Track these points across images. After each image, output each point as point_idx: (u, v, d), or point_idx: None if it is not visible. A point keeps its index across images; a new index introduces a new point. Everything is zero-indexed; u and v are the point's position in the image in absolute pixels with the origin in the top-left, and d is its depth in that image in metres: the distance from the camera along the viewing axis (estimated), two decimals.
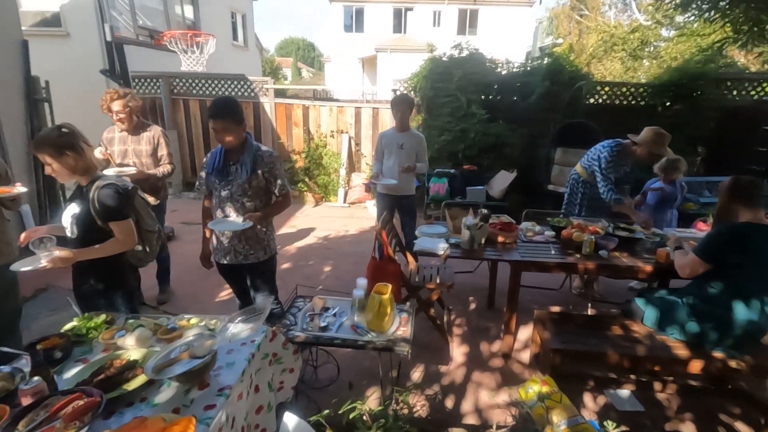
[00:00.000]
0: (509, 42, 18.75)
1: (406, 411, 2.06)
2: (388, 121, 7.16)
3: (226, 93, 7.35)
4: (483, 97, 6.76)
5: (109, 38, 4.91)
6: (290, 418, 1.64)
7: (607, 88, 6.84)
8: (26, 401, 1.35)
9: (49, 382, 1.43)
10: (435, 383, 2.70)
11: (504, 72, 6.97)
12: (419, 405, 2.48)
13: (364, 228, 5.99)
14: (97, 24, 6.95)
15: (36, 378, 1.39)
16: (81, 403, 1.33)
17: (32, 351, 1.53)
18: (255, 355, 1.76)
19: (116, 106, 3.14)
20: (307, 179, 7.38)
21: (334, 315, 2.29)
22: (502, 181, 6.14)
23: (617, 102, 6.81)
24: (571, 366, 2.49)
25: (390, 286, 2.18)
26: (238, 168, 2.34)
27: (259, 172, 2.37)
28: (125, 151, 3.29)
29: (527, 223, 3.44)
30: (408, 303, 2.44)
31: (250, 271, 2.55)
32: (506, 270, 2.92)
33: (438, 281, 3.13)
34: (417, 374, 2.78)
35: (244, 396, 1.66)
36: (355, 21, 21.70)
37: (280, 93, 7.86)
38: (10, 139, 4.50)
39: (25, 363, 1.57)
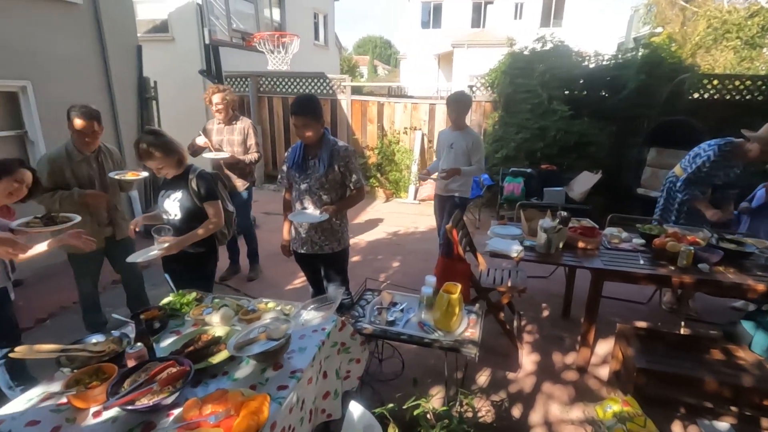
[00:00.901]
0: (599, 33, 17.38)
1: (470, 414, 2.01)
2: None
3: (307, 90, 7.70)
4: (566, 92, 6.35)
5: (207, 41, 5.38)
6: (355, 407, 1.68)
7: (715, 81, 6.06)
8: (131, 363, 1.53)
9: (149, 348, 1.61)
10: (502, 389, 2.60)
11: (592, 65, 6.48)
12: (484, 410, 2.41)
13: (434, 225, 5.93)
14: (197, 28, 7.63)
15: (139, 344, 1.58)
16: (174, 370, 1.47)
17: (137, 320, 1.73)
18: (325, 343, 1.83)
19: (216, 98, 3.61)
20: (378, 175, 7.49)
21: (402, 310, 2.30)
22: (584, 182, 5.72)
23: (728, 97, 6.01)
24: (657, 389, 2.25)
25: (459, 286, 2.14)
26: (316, 162, 2.44)
27: (336, 166, 2.45)
28: (221, 141, 3.73)
29: (612, 229, 3.17)
30: (477, 305, 2.38)
31: (323, 262, 2.65)
32: (585, 278, 2.73)
33: (509, 284, 3.01)
34: (483, 378, 2.70)
35: (314, 380, 1.73)
36: (432, 17, 21.52)
37: (356, 90, 8.06)
38: (124, 132, 5.14)
39: (131, 330, 1.78)
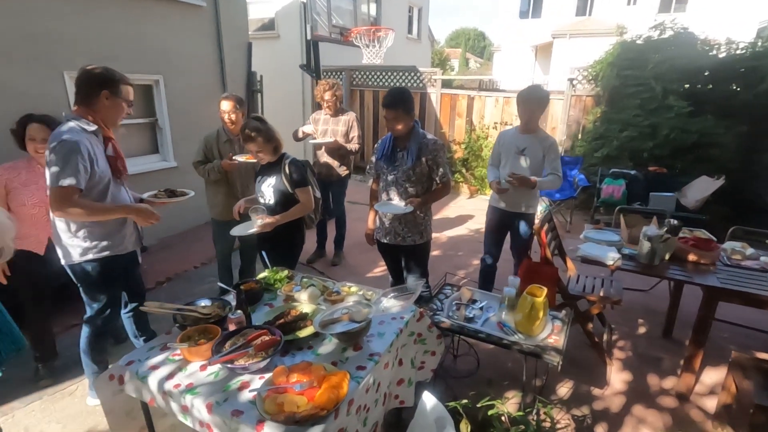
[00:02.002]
0: (733, 18, 15.01)
1: (548, 424, 1.92)
2: (559, 112, 6.59)
3: (397, 84, 7.79)
4: (686, 86, 5.61)
5: (309, 37, 5.71)
6: (429, 398, 1.70)
7: None
8: (231, 327, 1.71)
9: (247, 316, 1.78)
10: (585, 404, 2.43)
11: (722, 55, 5.64)
12: (563, 423, 2.27)
13: None
14: (300, 25, 8.13)
15: (239, 311, 1.76)
16: (266, 338, 1.62)
17: (237, 290, 1.92)
18: (403, 331, 1.87)
19: (327, 95, 3.90)
20: (464, 170, 7.35)
21: (481, 308, 2.26)
22: (701, 188, 5.03)
23: None
24: None
25: (545, 290, 2.04)
26: (405, 155, 2.48)
27: (423, 159, 2.47)
28: (326, 130, 4.01)
29: (734, 243, 2.77)
30: (563, 311, 2.24)
31: (405, 253, 2.70)
32: (694, 295, 2.42)
33: (601, 294, 2.79)
34: (564, 390, 2.55)
35: (390, 366, 1.78)
36: (532, 6, 20.33)
37: (446, 83, 7.97)
38: None
39: (232, 298, 1.99)
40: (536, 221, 2.82)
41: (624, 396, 2.52)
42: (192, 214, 5.00)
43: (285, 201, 2.52)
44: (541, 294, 2.01)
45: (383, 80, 7.90)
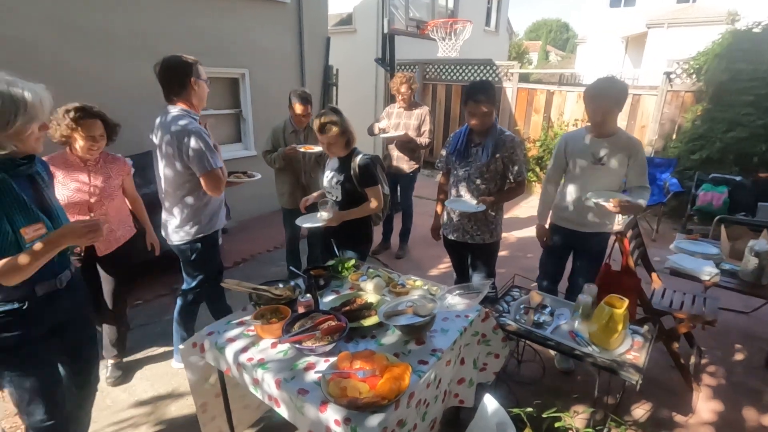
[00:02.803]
0: None
1: None
2: (651, 109, 6.00)
3: (472, 78, 7.60)
4: None
5: (385, 30, 5.76)
6: (490, 401, 1.65)
7: None
8: (300, 310, 1.79)
9: (315, 301, 1.85)
10: (664, 431, 2.22)
11: None
12: None
13: None
14: (377, 19, 8.22)
15: (308, 295, 1.83)
16: (333, 323, 1.67)
17: (308, 275, 2.00)
18: (467, 330, 1.83)
19: (403, 88, 3.97)
20: (538, 169, 7.00)
21: (551, 314, 2.14)
22: None
23: None
24: None
25: (626, 301, 1.88)
26: (479, 150, 2.41)
27: (499, 156, 2.38)
28: (399, 124, 4.06)
29: None
30: (645, 327, 2.05)
31: (472, 251, 2.64)
32: None
33: (692, 312, 2.51)
34: (640, 411, 2.34)
35: (452, 363, 1.76)
36: None
37: (523, 78, 7.61)
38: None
39: (302, 282, 2.07)
40: (617, 226, 2.58)
41: (712, 427, 2.26)
42: (268, 199, 5.30)
43: (352, 198, 2.47)
44: (622, 305, 1.85)
45: (457, 74, 7.75)
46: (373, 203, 2.46)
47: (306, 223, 2.50)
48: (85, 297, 1.73)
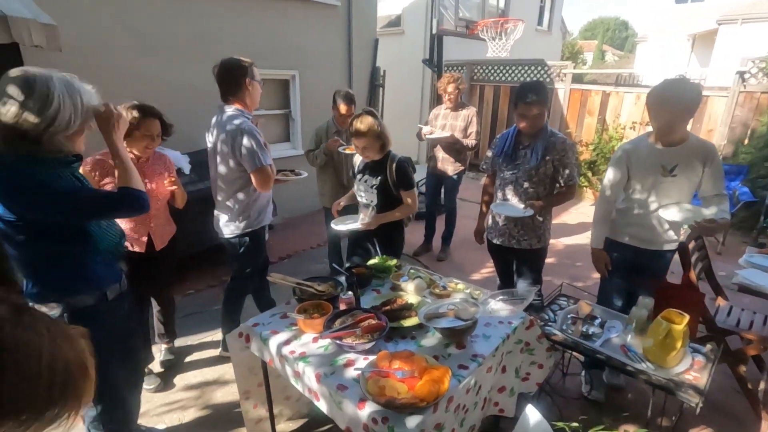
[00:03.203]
0: None
1: None
2: (720, 112, 5.56)
3: (522, 78, 7.39)
4: None
5: (434, 31, 5.72)
6: (533, 412, 1.58)
7: None
8: (342, 306, 1.81)
9: (356, 298, 1.87)
10: None
11: None
12: None
13: None
14: (425, 20, 8.19)
15: (349, 292, 1.85)
16: (373, 322, 1.68)
17: (349, 272, 2.03)
18: (510, 337, 1.77)
19: (450, 88, 3.89)
20: (590, 174, 6.68)
21: (602, 326, 2.03)
22: None
23: None
24: None
25: (686, 317, 1.74)
26: (528, 153, 2.34)
27: (549, 158, 2.30)
28: (445, 125, 4.00)
29: None
30: (708, 346, 1.90)
31: (518, 256, 2.56)
32: None
33: (763, 333, 2.29)
34: None
35: (493, 370, 1.71)
36: None
37: (576, 78, 7.30)
38: None
39: (344, 279, 2.10)
40: (681, 235, 2.39)
41: None
42: (312, 198, 5.42)
43: (389, 201, 2.42)
44: (681, 321, 1.72)
45: (506, 75, 7.57)
46: (409, 206, 2.43)
47: (340, 225, 2.47)
48: (136, 294, 1.85)
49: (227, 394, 2.46)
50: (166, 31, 4.04)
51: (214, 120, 2.32)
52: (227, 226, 2.40)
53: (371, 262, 2.37)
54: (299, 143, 5.48)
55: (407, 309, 1.85)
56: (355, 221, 2.44)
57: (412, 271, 2.26)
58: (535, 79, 7.18)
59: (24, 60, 2.89)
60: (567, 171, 2.32)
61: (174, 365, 2.71)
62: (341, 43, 5.69)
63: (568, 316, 2.13)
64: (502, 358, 1.79)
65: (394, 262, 2.33)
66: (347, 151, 3.12)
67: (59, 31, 2.71)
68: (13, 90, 1.20)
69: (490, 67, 7.73)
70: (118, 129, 1.48)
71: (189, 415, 2.32)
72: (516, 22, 5.72)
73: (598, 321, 2.08)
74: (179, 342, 2.90)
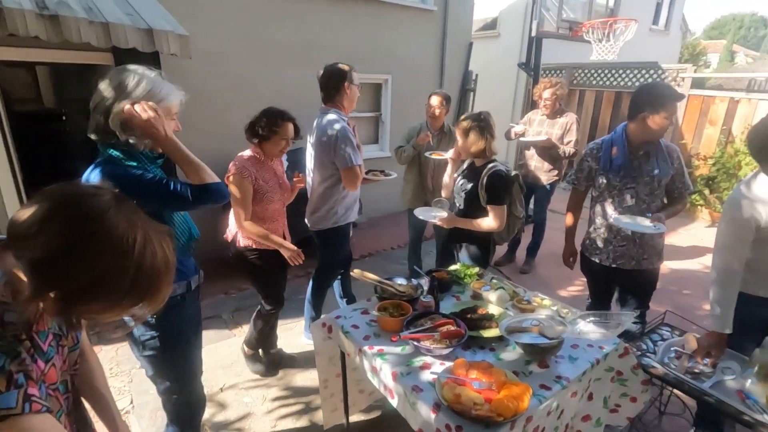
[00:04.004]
0: None
1: None
2: None
3: (629, 83, 6.76)
4: None
5: (533, 33, 5.49)
6: None
7: None
8: (421, 309, 1.83)
9: (436, 303, 1.87)
10: None
11: None
12: None
13: None
14: (523, 23, 7.89)
15: (429, 296, 1.86)
16: (452, 328, 1.67)
17: (431, 277, 2.03)
18: (600, 362, 1.64)
19: (546, 93, 3.68)
20: (706, 192, 5.89)
21: (714, 366, 1.78)
22: None
23: None
24: None
25: None
26: (643, 163, 2.14)
27: (671, 168, 2.15)
28: (539, 132, 3.80)
29: None
30: None
31: (627, 278, 2.31)
32: None
33: None
34: None
35: (578, 396, 1.60)
36: None
37: (696, 83, 6.48)
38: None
39: (424, 283, 2.11)
40: None
41: None
42: (395, 199, 5.53)
43: (472, 209, 2.35)
44: None
45: (611, 79, 6.97)
46: (491, 222, 2.27)
47: (422, 215, 2.53)
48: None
49: (306, 380, 2.61)
50: (279, 38, 4.40)
51: (315, 122, 2.50)
52: (316, 221, 2.57)
53: (452, 267, 2.35)
54: (386, 145, 5.62)
55: (488, 319, 1.80)
56: (436, 214, 2.45)
57: (494, 281, 2.20)
58: (644, 83, 6.52)
59: (162, 65, 3.35)
60: (684, 179, 2.17)
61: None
62: (435, 48, 5.71)
63: (672, 348, 1.91)
64: (589, 384, 1.66)
65: (476, 270, 2.28)
66: (434, 156, 3.12)
67: (190, 40, 3.11)
68: (105, 80, 1.32)
69: (592, 71, 7.19)
70: (158, 126, 1.31)
71: (271, 394, 2.51)
72: (628, 22, 5.25)
73: (707, 359, 1.83)
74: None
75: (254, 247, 2.29)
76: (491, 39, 8.85)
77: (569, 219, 2.52)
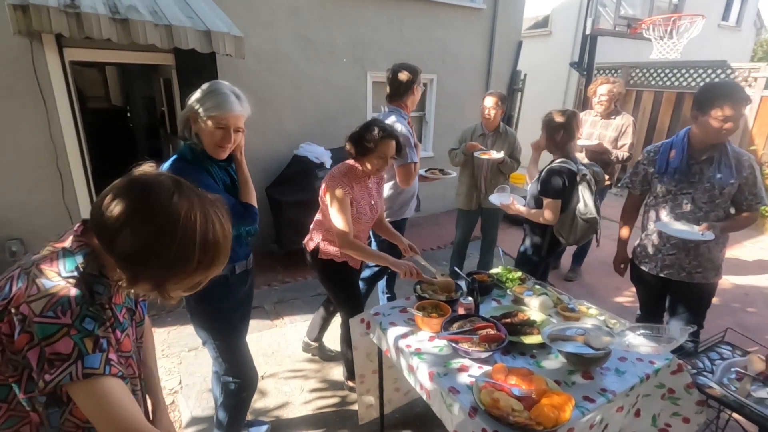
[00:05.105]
0: None
1: None
2: None
3: (692, 83, 6.32)
4: None
5: (588, 31, 5.25)
6: None
7: None
8: (460, 311, 1.81)
9: (476, 305, 1.84)
10: None
11: None
12: None
13: None
14: (576, 20, 7.56)
15: (469, 298, 1.83)
16: (492, 332, 1.64)
17: (471, 279, 2.00)
18: (650, 378, 1.55)
19: (603, 89, 3.48)
20: None
21: None
22: None
23: None
24: None
25: None
26: (706, 168, 1.99)
27: (739, 176, 1.96)
28: (591, 134, 3.61)
29: None
30: None
31: (680, 291, 2.19)
32: None
33: None
34: None
35: (624, 411, 1.52)
36: None
37: None
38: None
39: (465, 284, 2.08)
40: None
41: None
42: (439, 200, 5.50)
43: (535, 202, 2.44)
44: None
45: (672, 79, 6.55)
46: (545, 214, 2.33)
47: (494, 197, 2.64)
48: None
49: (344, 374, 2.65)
50: (329, 38, 4.48)
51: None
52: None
53: (494, 271, 2.30)
54: (429, 145, 5.59)
55: (529, 325, 1.76)
56: (506, 199, 2.56)
57: (537, 287, 2.13)
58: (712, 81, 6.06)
59: (218, 65, 3.52)
60: (756, 190, 1.97)
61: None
62: (483, 47, 5.61)
63: (732, 369, 1.77)
64: (637, 399, 1.58)
65: (518, 274, 2.23)
66: (483, 156, 3.08)
67: (244, 41, 3.24)
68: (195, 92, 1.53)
69: (651, 71, 6.79)
70: (237, 152, 1.60)
71: (309, 385, 2.57)
72: (693, 18, 4.90)
73: None
74: (307, 316, 3.23)
75: (337, 261, 2.18)
76: (542, 38, 8.56)
77: (622, 224, 2.42)
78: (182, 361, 2.75)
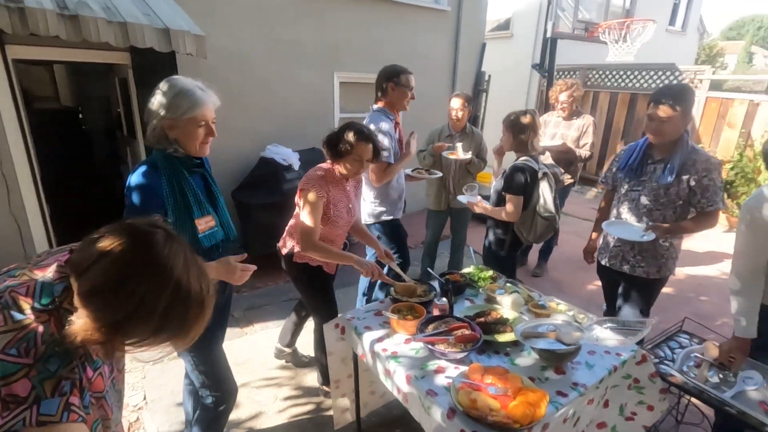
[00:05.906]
0: None
1: None
2: None
3: (645, 85, 6.66)
4: None
5: (548, 34, 5.43)
6: None
7: None
8: (435, 312, 1.81)
9: (450, 306, 1.85)
10: None
11: None
12: None
13: None
14: (537, 23, 7.80)
15: (444, 299, 1.84)
16: (467, 332, 1.65)
17: (445, 279, 2.02)
18: (617, 370, 1.61)
19: (563, 96, 3.62)
20: (725, 196, 5.76)
21: (735, 375, 1.74)
22: None
23: None
24: None
25: None
26: (658, 168, 2.08)
27: (685, 178, 2.00)
28: (555, 134, 3.74)
29: None
30: None
31: (629, 282, 2.30)
32: None
33: None
34: None
35: (594, 403, 1.58)
36: None
37: (715, 85, 6.37)
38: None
39: (437, 286, 2.09)
40: None
41: None
42: (410, 200, 5.49)
43: (499, 200, 2.50)
44: None
45: (626, 80, 6.87)
46: (507, 208, 2.39)
47: (463, 199, 2.67)
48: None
49: (318, 380, 2.60)
50: (296, 38, 4.39)
51: (365, 120, 2.60)
52: (367, 216, 2.71)
53: (466, 270, 2.33)
54: None
55: (502, 323, 1.78)
56: (474, 198, 2.61)
57: (508, 284, 2.17)
58: (659, 85, 6.41)
59: (178, 64, 3.37)
60: (709, 194, 1.99)
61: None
62: (448, 48, 5.68)
63: (691, 356, 1.87)
64: (606, 391, 1.64)
65: (489, 273, 2.26)
66: (450, 156, 3.11)
67: (206, 40, 3.13)
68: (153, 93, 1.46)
69: (606, 73, 7.10)
70: None
71: (283, 393, 2.51)
72: (645, 22, 5.17)
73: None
74: (279, 322, 3.15)
75: (313, 265, 2.14)
76: (504, 40, 8.77)
77: (598, 216, 2.51)
78: (146, 375, 2.61)
